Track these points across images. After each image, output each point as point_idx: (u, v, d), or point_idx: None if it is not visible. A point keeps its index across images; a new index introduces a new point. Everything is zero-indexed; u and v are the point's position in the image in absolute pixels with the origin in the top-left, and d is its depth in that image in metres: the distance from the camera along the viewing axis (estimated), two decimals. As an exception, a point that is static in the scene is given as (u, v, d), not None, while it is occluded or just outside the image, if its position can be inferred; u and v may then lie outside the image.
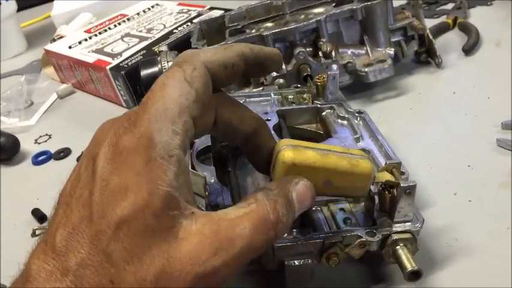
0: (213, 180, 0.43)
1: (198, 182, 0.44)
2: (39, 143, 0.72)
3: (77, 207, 0.26)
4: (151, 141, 0.26)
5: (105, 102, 0.80)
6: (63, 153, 0.67)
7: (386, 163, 0.40)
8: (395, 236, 0.37)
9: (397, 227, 0.38)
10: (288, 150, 0.33)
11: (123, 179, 0.25)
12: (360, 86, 0.66)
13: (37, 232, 0.53)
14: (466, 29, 0.76)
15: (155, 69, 0.60)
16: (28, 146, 0.71)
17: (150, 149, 0.26)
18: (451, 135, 0.56)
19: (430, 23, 0.76)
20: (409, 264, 0.36)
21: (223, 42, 0.63)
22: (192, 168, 0.45)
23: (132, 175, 0.25)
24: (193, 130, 0.29)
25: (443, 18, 0.81)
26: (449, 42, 0.74)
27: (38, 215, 0.55)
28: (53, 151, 0.68)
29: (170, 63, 0.60)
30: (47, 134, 0.73)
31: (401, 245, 0.37)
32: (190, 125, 0.28)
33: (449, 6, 0.86)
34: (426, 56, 0.70)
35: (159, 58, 0.61)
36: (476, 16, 0.81)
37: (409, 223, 0.38)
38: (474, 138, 0.54)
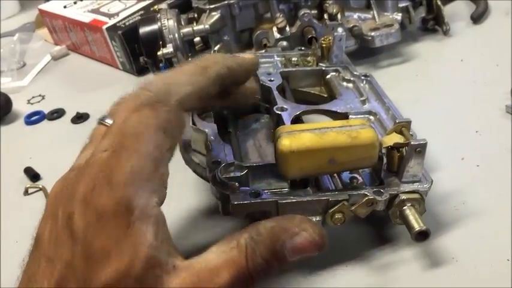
0: (214, 138, 0.41)
1: (199, 138, 0.43)
2: (32, 104, 0.69)
3: (60, 266, 0.26)
4: (129, 206, 0.26)
5: (100, 65, 0.77)
6: (56, 114, 0.65)
7: (396, 122, 0.39)
8: (403, 196, 0.36)
9: (405, 187, 0.37)
10: (284, 139, 0.32)
11: (105, 245, 0.26)
12: (364, 52, 0.64)
13: (29, 190, 0.51)
14: (475, -3, 0.74)
15: (154, 26, 0.58)
16: (21, 106, 0.68)
17: (129, 215, 0.26)
18: (459, 102, 0.54)
19: (438, -10, 0.74)
20: (417, 224, 0.35)
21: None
22: (192, 124, 0.43)
23: (113, 241, 0.26)
24: (168, 176, 0.29)
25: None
26: (458, 11, 0.72)
27: (31, 174, 0.53)
28: (46, 112, 0.66)
29: (170, 21, 0.58)
30: (40, 95, 0.71)
31: (408, 205, 0.36)
32: (166, 175, 0.29)
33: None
34: (433, 23, 0.68)
35: (158, 15, 0.59)
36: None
37: (418, 183, 0.37)
38: (482, 104, 0.53)
